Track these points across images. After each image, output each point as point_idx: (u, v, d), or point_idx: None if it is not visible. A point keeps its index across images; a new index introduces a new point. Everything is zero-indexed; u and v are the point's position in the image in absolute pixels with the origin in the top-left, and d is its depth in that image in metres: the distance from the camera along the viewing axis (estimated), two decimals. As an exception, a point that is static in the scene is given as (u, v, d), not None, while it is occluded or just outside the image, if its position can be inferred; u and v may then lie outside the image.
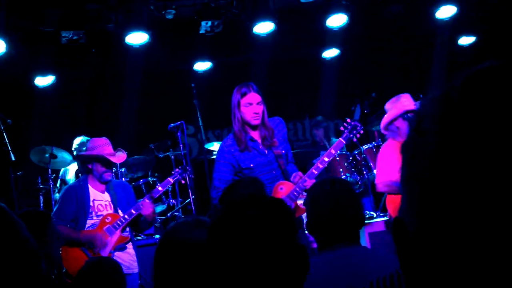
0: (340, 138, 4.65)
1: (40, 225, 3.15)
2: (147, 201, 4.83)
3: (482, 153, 0.58)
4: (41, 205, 6.64)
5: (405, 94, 5.12)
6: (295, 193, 4.33)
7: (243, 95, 4.40)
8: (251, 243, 1.43)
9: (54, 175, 6.76)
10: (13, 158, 5.62)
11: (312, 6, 7.76)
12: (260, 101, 4.42)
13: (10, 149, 5.59)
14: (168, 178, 5.13)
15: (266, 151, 4.50)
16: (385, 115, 5.10)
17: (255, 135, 4.51)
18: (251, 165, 4.45)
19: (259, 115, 4.42)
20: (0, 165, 6.32)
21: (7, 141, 5.64)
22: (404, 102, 5.01)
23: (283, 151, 4.56)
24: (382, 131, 5.14)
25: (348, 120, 4.74)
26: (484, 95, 0.61)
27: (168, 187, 5.99)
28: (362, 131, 4.71)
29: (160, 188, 5.05)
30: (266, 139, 4.48)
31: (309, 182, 4.30)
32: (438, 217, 0.61)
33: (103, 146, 4.90)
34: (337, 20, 7.68)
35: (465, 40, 9.26)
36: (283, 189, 4.37)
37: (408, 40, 9.23)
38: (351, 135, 4.65)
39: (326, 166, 4.56)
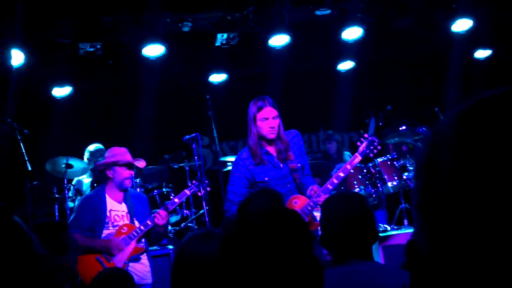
0: (356, 154, 4.58)
1: (57, 235, 3.16)
2: (163, 211, 4.82)
3: (495, 179, 0.58)
4: (56, 214, 6.68)
5: None
6: (309, 208, 4.30)
7: (259, 109, 4.38)
8: (265, 256, 1.43)
9: (70, 185, 6.81)
10: (29, 168, 5.67)
11: (327, 19, 7.80)
12: (276, 115, 4.39)
13: (26, 158, 5.65)
14: (185, 190, 5.12)
15: (281, 165, 4.48)
16: None
17: (271, 148, 4.49)
18: (266, 179, 4.44)
19: (275, 129, 4.40)
20: (17, 174, 6.39)
21: (23, 151, 5.69)
22: None
23: (299, 165, 4.53)
24: None
25: (365, 135, 4.68)
26: (499, 121, 0.60)
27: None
28: (379, 147, 4.64)
29: (176, 200, 5.01)
30: (281, 153, 4.46)
31: (323, 197, 4.26)
32: (449, 241, 0.62)
33: (123, 154, 4.92)
34: (352, 33, 7.69)
35: (481, 54, 9.22)
36: (297, 203, 4.35)
37: (423, 53, 9.22)
38: (368, 151, 4.57)
39: (341, 180, 4.54)
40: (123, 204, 4.90)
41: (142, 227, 4.77)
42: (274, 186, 4.39)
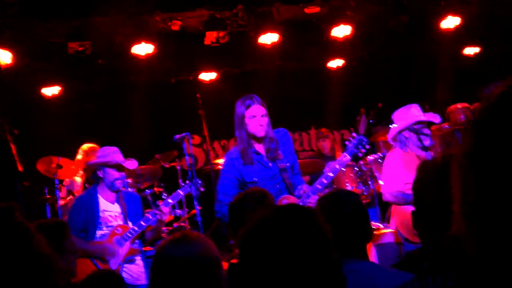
0: (344, 153, 4.53)
1: (58, 236, 3.15)
2: (165, 207, 4.76)
3: None
4: (48, 215, 6.66)
5: (414, 105, 5.08)
6: None
7: (248, 107, 4.36)
8: (284, 255, 1.41)
9: (61, 185, 6.78)
10: (20, 168, 5.65)
11: (317, 17, 7.80)
12: (264, 114, 4.38)
13: (17, 159, 5.63)
14: (178, 190, 5.07)
15: (270, 164, 4.46)
16: (393, 126, 5.06)
17: (260, 148, 4.47)
18: (255, 179, 4.41)
19: (264, 127, 4.37)
20: (7, 175, 6.36)
21: (13, 151, 5.67)
22: (413, 113, 4.98)
23: (288, 164, 4.51)
24: (390, 141, 5.10)
25: (354, 134, 4.63)
26: None
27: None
28: (368, 146, 4.59)
29: (170, 201, 4.95)
30: (270, 152, 4.44)
31: (313, 198, 4.27)
32: (497, 232, 0.63)
33: (114, 153, 4.87)
34: (341, 31, 7.71)
35: (470, 51, 9.27)
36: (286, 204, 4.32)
37: (412, 50, 9.25)
38: (356, 150, 4.51)
39: (331, 180, 4.51)
40: (116, 204, 4.85)
41: (136, 228, 4.73)
42: (264, 187, 4.29)
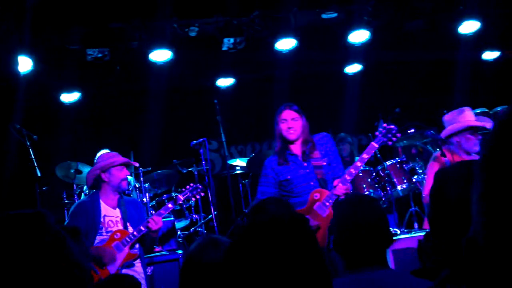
0: (372, 142, 4.56)
1: (81, 239, 3.18)
2: (157, 216, 4.73)
3: None
4: (66, 219, 6.70)
5: (467, 108, 5.05)
6: (330, 200, 4.41)
7: (280, 112, 4.77)
8: (271, 266, 1.37)
9: (79, 190, 6.83)
10: (38, 174, 5.70)
11: (334, 22, 7.79)
12: (295, 117, 4.72)
13: (36, 164, 5.67)
14: (178, 195, 5.05)
15: (305, 164, 4.67)
16: (447, 127, 5.01)
17: (296, 149, 4.73)
18: (289, 177, 4.64)
19: (293, 130, 4.69)
20: (26, 180, 6.41)
21: (33, 156, 5.72)
22: (467, 117, 4.95)
23: (324, 163, 4.67)
24: (439, 143, 5.06)
25: (384, 125, 4.64)
26: None
27: (182, 203, 5.88)
28: (399, 134, 4.59)
29: (170, 206, 4.92)
30: (305, 153, 4.69)
31: (341, 187, 4.38)
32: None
33: (116, 156, 4.88)
34: (359, 36, 7.69)
35: (489, 55, 9.18)
36: (317, 196, 4.47)
37: (431, 55, 9.19)
38: (386, 139, 4.56)
39: (359, 171, 4.58)
40: (117, 209, 4.81)
41: (135, 233, 4.68)
42: (297, 184, 4.60)
